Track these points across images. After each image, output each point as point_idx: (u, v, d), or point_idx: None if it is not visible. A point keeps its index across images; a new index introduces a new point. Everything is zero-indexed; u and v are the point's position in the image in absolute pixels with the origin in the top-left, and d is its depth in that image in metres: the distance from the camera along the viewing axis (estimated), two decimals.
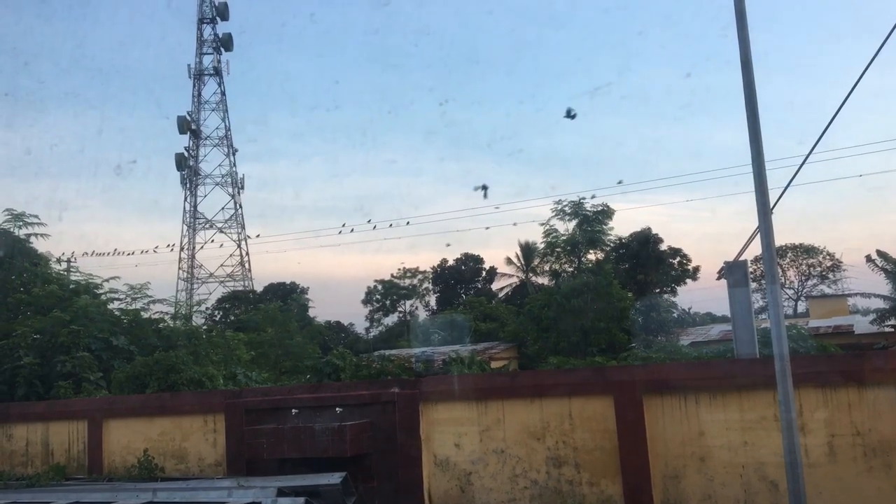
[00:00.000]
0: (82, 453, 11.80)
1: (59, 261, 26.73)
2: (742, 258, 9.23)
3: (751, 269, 10.15)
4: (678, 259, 48.07)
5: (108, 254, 43.87)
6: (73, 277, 25.03)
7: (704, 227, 79.27)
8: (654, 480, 7.94)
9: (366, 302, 60.69)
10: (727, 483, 7.68)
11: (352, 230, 47.06)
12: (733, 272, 8.85)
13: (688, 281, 47.37)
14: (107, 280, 22.86)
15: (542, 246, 43.68)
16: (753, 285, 9.69)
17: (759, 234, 6.54)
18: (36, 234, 23.00)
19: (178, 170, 55.48)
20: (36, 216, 23.01)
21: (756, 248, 7.23)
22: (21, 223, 22.64)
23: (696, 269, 48.18)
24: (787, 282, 59.05)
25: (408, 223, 59.81)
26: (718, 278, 34.83)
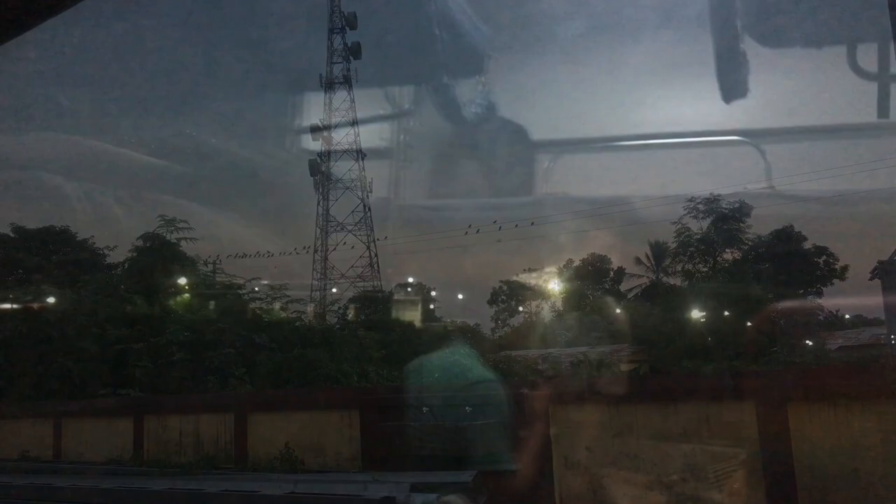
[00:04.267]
0: (229, 444, 12.52)
1: (205, 263, 28.55)
2: None
3: None
4: (823, 258, 45.21)
5: (252, 255, 46.25)
6: (218, 279, 26.65)
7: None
8: (800, 493, 7.51)
9: (491, 302, 60.92)
10: (885, 498, 7.14)
11: (477, 231, 47.36)
12: (888, 272, 8.23)
13: (835, 281, 44.49)
14: (249, 280, 24.24)
15: (675, 245, 42.13)
16: None
17: None
18: (185, 238, 24.71)
19: (311, 175, 57.72)
20: (185, 221, 24.72)
21: None
22: (172, 228, 24.39)
23: (845, 269, 45.10)
24: None
25: (532, 223, 59.64)
26: (871, 278, 32.34)
